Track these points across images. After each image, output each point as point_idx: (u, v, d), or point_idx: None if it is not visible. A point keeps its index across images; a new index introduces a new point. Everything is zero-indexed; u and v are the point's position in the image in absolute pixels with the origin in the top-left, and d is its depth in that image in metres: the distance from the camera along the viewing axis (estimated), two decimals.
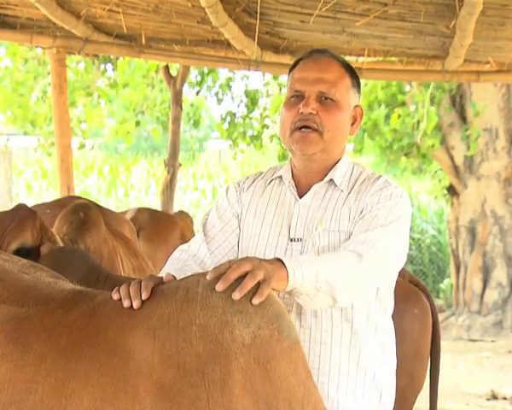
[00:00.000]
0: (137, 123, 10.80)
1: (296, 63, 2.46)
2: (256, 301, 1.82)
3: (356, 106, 2.44)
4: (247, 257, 2.02)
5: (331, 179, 2.39)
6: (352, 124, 2.44)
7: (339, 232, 2.31)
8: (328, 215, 2.34)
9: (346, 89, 2.39)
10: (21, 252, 3.41)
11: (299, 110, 2.34)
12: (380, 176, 2.40)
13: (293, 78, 2.41)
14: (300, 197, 2.40)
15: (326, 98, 2.35)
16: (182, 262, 2.41)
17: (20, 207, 3.82)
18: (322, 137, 2.34)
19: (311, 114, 2.33)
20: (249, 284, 1.84)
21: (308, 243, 2.33)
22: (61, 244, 3.99)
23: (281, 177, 2.48)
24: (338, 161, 2.42)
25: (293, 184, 2.43)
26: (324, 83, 2.35)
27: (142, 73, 10.32)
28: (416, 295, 3.55)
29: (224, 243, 2.46)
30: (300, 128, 2.34)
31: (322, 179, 2.40)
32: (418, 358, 3.33)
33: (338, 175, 2.40)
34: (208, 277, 1.87)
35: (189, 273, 2.17)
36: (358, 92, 2.45)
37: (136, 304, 1.87)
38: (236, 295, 1.81)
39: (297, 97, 2.37)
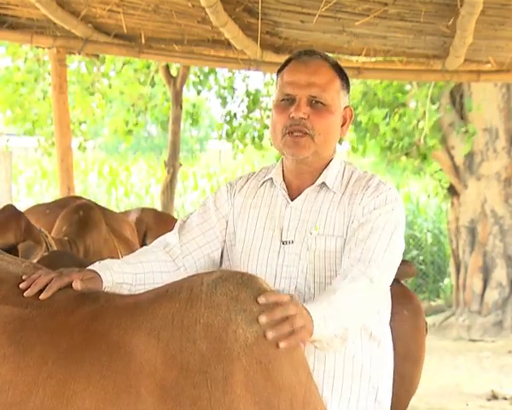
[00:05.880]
0: (136, 124, 10.78)
1: (285, 64, 2.44)
2: (282, 345, 1.83)
3: (345, 107, 2.43)
4: (293, 299, 1.96)
5: (323, 182, 2.39)
6: (342, 125, 2.43)
7: (334, 237, 2.31)
8: (321, 219, 2.34)
9: (336, 92, 2.38)
10: (4, 251, 3.52)
11: (291, 114, 2.33)
12: (372, 175, 2.40)
13: (283, 80, 2.39)
14: (292, 200, 2.40)
15: (317, 102, 2.34)
16: (148, 251, 2.40)
17: (6, 209, 3.90)
18: (314, 141, 2.33)
19: (303, 118, 2.32)
20: (286, 329, 1.85)
21: (302, 246, 2.33)
22: (54, 245, 4.01)
23: (272, 179, 2.47)
24: (329, 162, 2.42)
25: (285, 187, 2.43)
26: (315, 87, 2.33)
27: (133, 67, 10.24)
28: (406, 296, 3.52)
29: (204, 246, 2.42)
30: (292, 132, 2.33)
31: (313, 181, 2.40)
32: (409, 359, 3.34)
33: (330, 177, 2.40)
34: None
35: (147, 263, 2.27)
36: (348, 93, 2.45)
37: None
38: (269, 335, 1.82)
39: (287, 101, 2.36)
